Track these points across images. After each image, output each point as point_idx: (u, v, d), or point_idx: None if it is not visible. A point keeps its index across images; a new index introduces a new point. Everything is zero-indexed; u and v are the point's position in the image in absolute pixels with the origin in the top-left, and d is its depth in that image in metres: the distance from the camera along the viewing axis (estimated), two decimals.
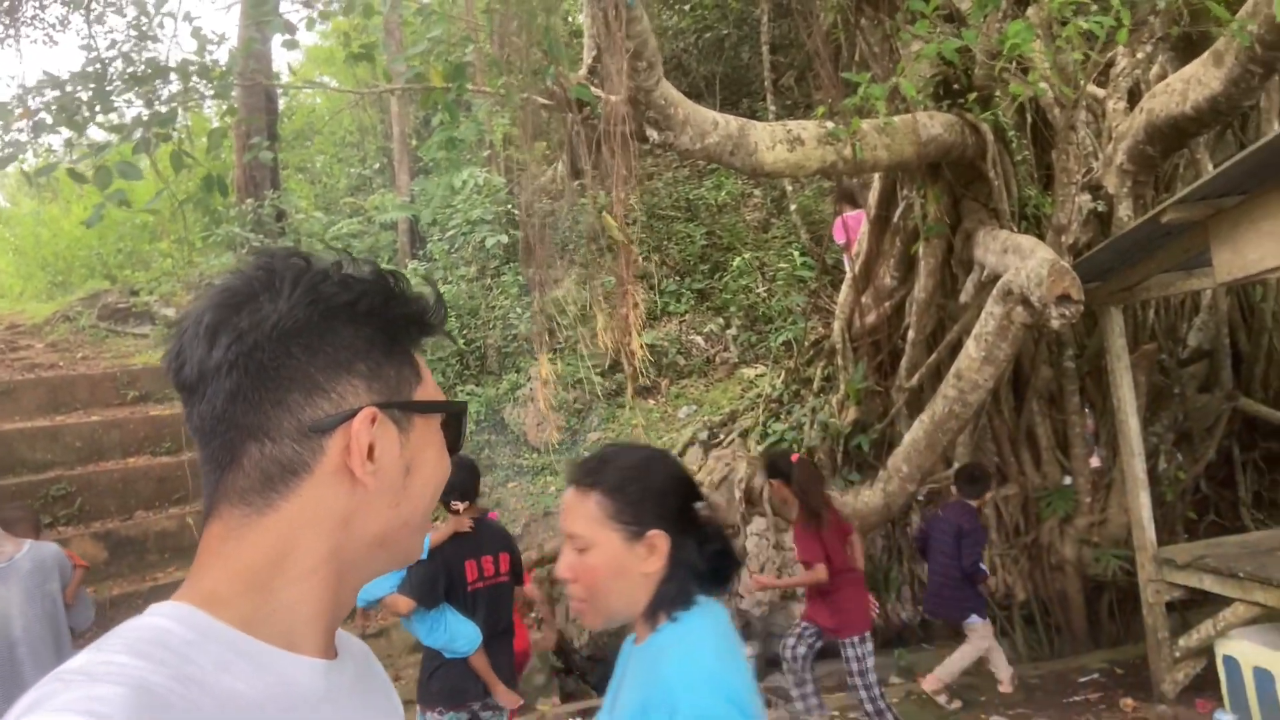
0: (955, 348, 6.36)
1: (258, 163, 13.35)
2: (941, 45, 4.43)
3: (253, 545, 0.85)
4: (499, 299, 9.96)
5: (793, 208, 10.26)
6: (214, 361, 0.84)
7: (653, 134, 4.80)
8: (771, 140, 5.11)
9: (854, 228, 8.18)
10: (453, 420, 0.99)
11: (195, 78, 4.76)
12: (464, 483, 4.04)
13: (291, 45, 5.02)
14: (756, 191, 11.46)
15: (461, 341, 9.55)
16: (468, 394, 9.06)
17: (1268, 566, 4.59)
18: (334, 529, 0.87)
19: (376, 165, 14.55)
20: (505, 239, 10.12)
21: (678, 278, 10.43)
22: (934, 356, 6.42)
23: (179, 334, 0.87)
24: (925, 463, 6.05)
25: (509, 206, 10.54)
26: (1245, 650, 4.67)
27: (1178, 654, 5.24)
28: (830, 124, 5.26)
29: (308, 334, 0.86)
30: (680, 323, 10.06)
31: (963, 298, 6.10)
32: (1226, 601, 4.89)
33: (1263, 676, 4.56)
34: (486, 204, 10.61)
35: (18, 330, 12.02)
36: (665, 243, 10.86)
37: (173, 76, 4.57)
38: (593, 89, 4.68)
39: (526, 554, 6.81)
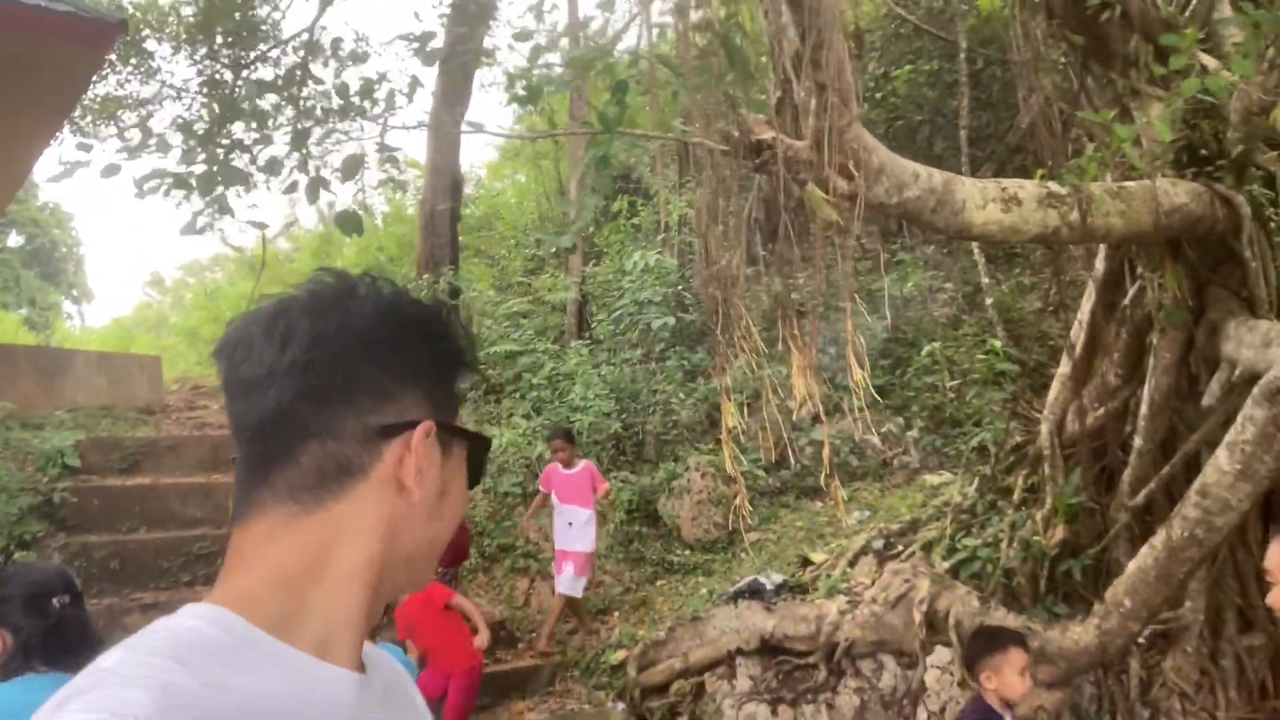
0: (1193, 460, 5.32)
1: (440, 242, 13.58)
2: (1208, 80, 3.64)
3: (296, 545, 0.86)
4: (663, 384, 9.42)
5: (989, 302, 9.34)
6: (288, 359, 0.86)
7: (841, 184, 4.16)
8: (983, 198, 4.38)
9: (558, 482, 7.06)
10: (479, 454, 1.02)
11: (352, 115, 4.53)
12: None
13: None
14: (948, 285, 10.58)
15: (619, 426, 9.03)
16: (621, 481, 8.48)
17: None
18: (376, 536, 0.89)
19: (553, 249, 14.52)
20: (673, 321, 9.64)
21: None
22: (1166, 470, 5.38)
23: (240, 334, 0.89)
24: (1155, 598, 4.99)
25: (679, 289, 10.08)
26: None
27: None
28: (1053, 184, 4.50)
29: (386, 344, 0.91)
30: (855, 420, 9.22)
31: (1206, 400, 5.09)
32: None
33: None
34: (656, 286, 10.19)
35: (199, 391, 12.43)
36: (842, 336, 10.11)
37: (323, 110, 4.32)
38: (772, 132, 4.12)
39: (669, 663, 6.08)
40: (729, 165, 4.63)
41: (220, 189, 3.93)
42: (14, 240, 33.40)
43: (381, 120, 4.49)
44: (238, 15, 14.64)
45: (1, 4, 8.05)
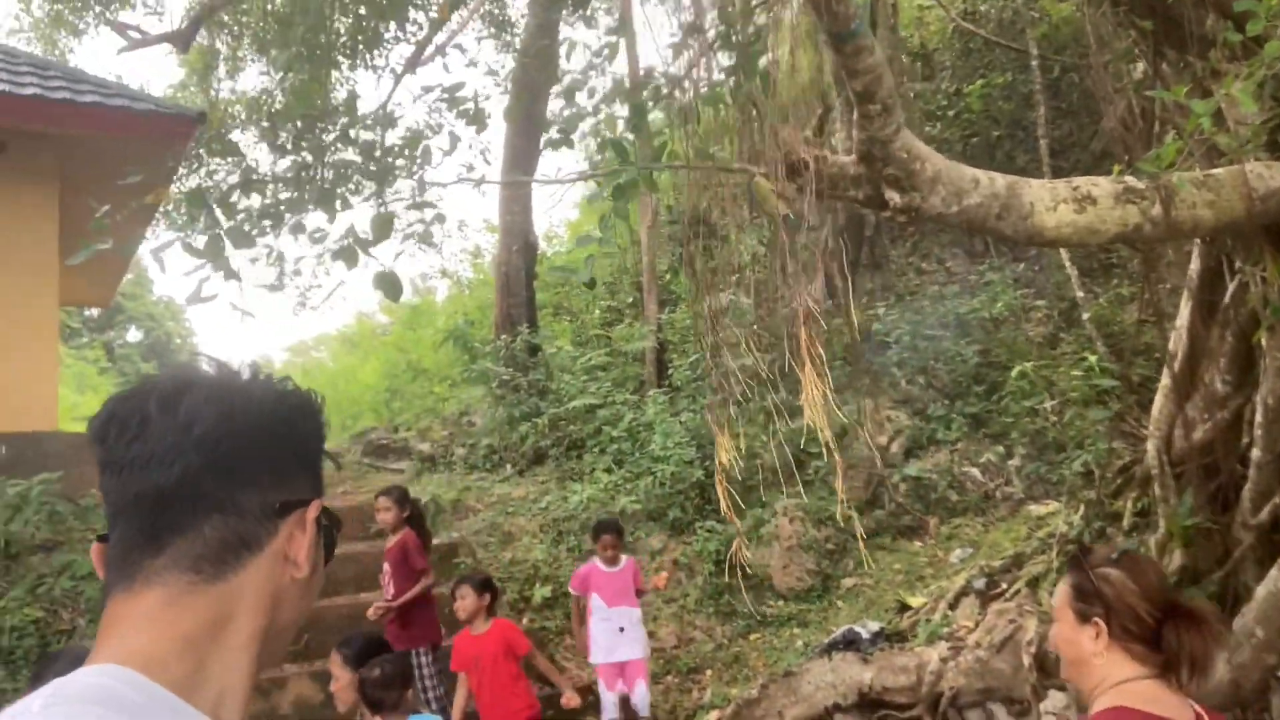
0: None
1: (516, 301, 13.62)
2: None
3: (198, 612, 0.89)
4: (745, 427, 9.12)
5: (1085, 316, 8.81)
6: (196, 436, 0.90)
7: (893, 197, 3.89)
8: (1053, 200, 4.03)
9: (600, 583, 6.22)
10: (334, 533, 1.07)
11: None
12: None
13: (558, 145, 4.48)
14: (1040, 302, 10.07)
15: (702, 474, 8.75)
16: (708, 531, 8.18)
17: None
18: (267, 607, 0.94)
19: (630, 299, 14.42)
20: (749, 361, 9.35)
21: (946, 401, 9.17)
22: None
23: (128, 411, 0.92)
24: None
25: (755, 328, 9.81)
26: None
27: None
28: (1130, 178, 4.13)
29: (283, 427, 0.98)
30: (951, 452, 8.75)
31: None
32: None
33: None
34: (731, 328, 9.94)
35: None
36: (932, 363, 9.67)
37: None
38: (814, 150, 3.88)
39: None
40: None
41: (227, 253, 3.88)
42: (133, 335, 35.14)
43: (418, 176, 4.40)
44: (319, 101, 15.18)
45: (93, 108, 8.47)
